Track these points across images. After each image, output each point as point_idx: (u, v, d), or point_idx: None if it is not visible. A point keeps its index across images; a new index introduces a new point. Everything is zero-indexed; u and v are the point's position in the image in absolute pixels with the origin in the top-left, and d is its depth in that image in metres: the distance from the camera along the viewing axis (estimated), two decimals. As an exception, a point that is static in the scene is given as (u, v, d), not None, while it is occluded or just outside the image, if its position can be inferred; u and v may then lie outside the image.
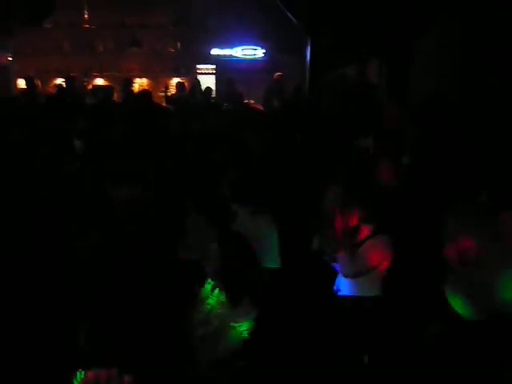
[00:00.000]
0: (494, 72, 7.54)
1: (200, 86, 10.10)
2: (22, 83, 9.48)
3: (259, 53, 11.90)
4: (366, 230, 3.56)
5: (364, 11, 7.87)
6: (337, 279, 3.65)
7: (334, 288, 3.63)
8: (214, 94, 10.72)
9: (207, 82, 11.47)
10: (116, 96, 8.58)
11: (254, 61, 11.90)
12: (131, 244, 3.57)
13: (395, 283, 3.39)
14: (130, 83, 8.47)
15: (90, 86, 11.26)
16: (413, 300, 3.26)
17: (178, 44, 12.00)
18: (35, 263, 3.49)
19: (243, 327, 2.74)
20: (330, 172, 5.03)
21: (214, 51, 11.95)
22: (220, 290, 2.86)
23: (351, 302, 3.49)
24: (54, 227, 3.85)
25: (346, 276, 3.61)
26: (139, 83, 11.54)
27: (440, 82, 7.98)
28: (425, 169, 4.93)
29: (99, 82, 11.96)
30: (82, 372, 1.88)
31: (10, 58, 9.66)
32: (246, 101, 10.68)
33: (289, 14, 8.63)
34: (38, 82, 9.46)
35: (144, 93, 7.27)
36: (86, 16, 11.80)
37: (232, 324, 2.75)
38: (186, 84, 10.12)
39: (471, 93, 7.32)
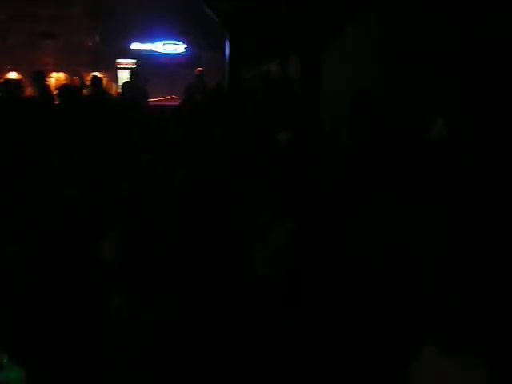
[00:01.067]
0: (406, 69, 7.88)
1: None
2: None
3: (181, 48, 11.79)
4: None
5: (281, 9, 7.97)
6: None
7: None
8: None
9: (128, 76, 11.19)
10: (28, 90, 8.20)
11: (175, 56, 11.77)
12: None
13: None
14: (43, 77, 8.08)
15: (1, 80, 10.71)
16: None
17: (97, 38, 11.66)
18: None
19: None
20: (252, 167, 5.11)
21: (135, 46, 11.72)
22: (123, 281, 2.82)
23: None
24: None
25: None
26: (56, 77, 11.11)
27: (356, 79, 8.25)
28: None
29: (12, 75, 11.40)
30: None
31: None
32: (168, 96, 10.61)
33: (208, 11, 8.57)
34: None
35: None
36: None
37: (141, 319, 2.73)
38: (102, 78, 9.82)
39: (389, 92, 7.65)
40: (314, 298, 3.65)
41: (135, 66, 11.63)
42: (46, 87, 7.83)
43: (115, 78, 11.17)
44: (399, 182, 4.19)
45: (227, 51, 9.07)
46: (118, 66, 11.70)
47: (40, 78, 7.82)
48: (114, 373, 2.84)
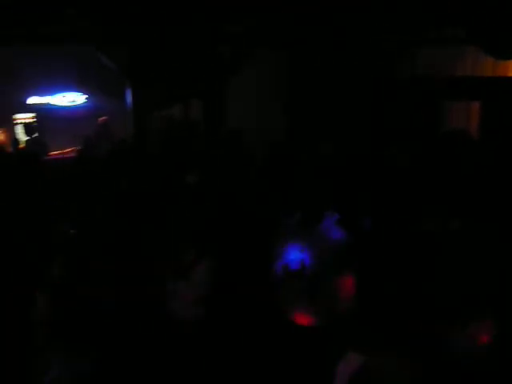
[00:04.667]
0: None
1: None
2: None
3: (81, 99, 11.72)
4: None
5: (182, 56, 8.25)
6: None
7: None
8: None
9: (26, 131, 10.98)
10: None
11: (76, 107, 11.68)
12: None
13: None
14: None
15: None
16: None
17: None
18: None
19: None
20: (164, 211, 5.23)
21: (32, 99, 11.51)
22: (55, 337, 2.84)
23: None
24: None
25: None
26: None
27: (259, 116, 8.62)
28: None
29: None
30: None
31: None
32: (71, 148, 10.46)
33: (107, 61, 8.68)
34: None
35: None
36: None
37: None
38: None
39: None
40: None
41: (34, 120, 11.41)
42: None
43: (13, 133, 10.87)
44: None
45: (128, 98, 9.21)
46: (16, 121, 11.41)
47: None
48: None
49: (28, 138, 10.22)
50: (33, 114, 11.48)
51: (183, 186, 6.03)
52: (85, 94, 11.70)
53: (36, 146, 9.27)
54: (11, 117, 11.36)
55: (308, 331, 2.79)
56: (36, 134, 10.57)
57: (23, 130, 10.79)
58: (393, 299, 2.48)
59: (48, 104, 11.57)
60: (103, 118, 9.88)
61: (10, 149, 9.53)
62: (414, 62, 8.28)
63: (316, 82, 8.54)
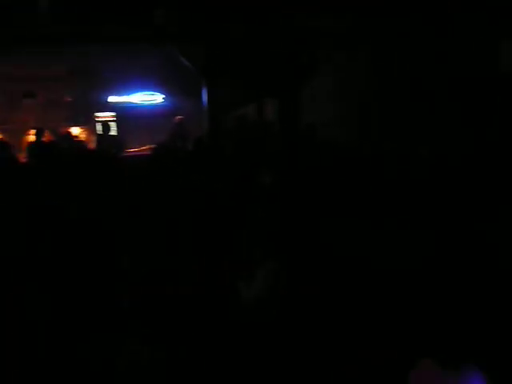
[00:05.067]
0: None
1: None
2: None
3: (158, 98, 12.04)
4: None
5: (258, 55, 8.27)
6: None
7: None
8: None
9: (108, 128, 11.41)
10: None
11: (153, 106, 12.00)
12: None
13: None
14: (41, 132, 8.40)
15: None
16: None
17: (75, 93, 11.88)
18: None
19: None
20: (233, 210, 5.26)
21: (112, 98, 11.94)
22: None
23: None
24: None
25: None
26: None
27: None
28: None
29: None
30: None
31: None
32: (147, 146, 10.77)
33: (184, 61, 8.85)
34: None
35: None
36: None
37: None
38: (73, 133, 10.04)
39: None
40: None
41: (114, 119, 11.84)
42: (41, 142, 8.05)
43: (94, 131, 11.32)
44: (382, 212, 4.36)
45: (204, 98, 9.34)
46: (97, 119, 11.88)
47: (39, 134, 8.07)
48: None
49: (106, 135, 10.58)
50: (113, 113, 11.92)
51: (257, 187, 6.03)
52: (163, 93, 12.00)
53: (112, 144, 9.57)
54: (92, 115, 11.86)
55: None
56: (114, 132, 10.95)
57: (102, 128, 11.22)
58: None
59: (127, 103, 11.96)
60: (179, 117, 10.08)
61: (93, 146, 9.89)
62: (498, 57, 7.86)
63: (395, 80, 8.31)
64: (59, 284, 4.01)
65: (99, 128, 11.48)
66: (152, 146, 10.68)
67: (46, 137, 10.93)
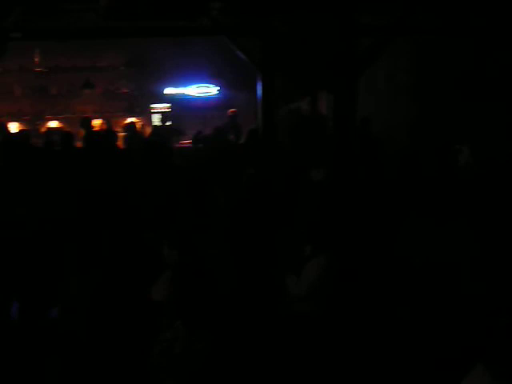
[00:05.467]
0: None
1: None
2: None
3: (213, 90, 12.10)
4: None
5: (313, 48, 8.17)
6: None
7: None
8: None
9: (162, 119, 11.61)
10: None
11: (208, 98, 12.08)
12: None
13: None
14: (89, 122, 8.58)
15: (44, 129, 11.20)
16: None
17: (132, 84, 12.10)
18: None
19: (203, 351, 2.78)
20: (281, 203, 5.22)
21: (168, 90, 12.09)
22: (176, 316, 2.90)
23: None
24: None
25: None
26: (93, 124, 11.50)
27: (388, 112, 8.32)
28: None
29: (53, 124, 11.90)
30: None
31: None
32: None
33: (239, 53, 8.84)
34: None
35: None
36: (37, 60, 11.79)
37: (192, 349, 2.79)
38: (136, 124, 10.21)
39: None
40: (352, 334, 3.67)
41: (169, 110, 11.99)
42: (93, 132, 8.24)
43: (150, 122, 11.50)
44: (434, 210, 4.24)
45: (259, 91, 9.31)
46: (153, 110, 12.06)
47: (88, 124, 8.26)
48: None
49: (162, 126, 10.75)
50: (168, 104, 12.07)
51: (309, 182, 5.96)
52: (217, 86, 12.06)
53: (167, 134, 9.70)
54: (149, 106, 12.05)
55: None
56: (169, 123, 11.11)
57: (158, 119, 11.42)
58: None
59: (183, 94, 12.09)
60: (232, 110, 10.11)
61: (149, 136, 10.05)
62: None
63: (450, 75, 8.05)
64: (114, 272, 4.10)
65: (156, 119, 11.69)
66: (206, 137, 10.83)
67: (102, 126, 11.27)
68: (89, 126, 8.72)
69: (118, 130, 11.61)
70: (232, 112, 9.80)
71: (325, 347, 3.60)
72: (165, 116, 11.04)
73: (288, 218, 4.87)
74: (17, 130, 9.86)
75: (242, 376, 3.28)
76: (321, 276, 3.81)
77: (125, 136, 9.30)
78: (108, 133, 8.84)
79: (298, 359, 3.49)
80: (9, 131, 8.97)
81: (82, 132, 8.79)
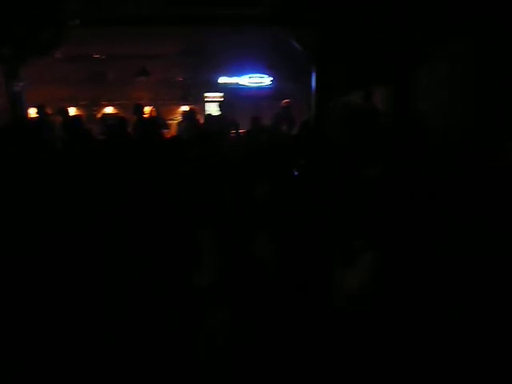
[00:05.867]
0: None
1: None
2: (33, 111, 9.63)
3: (266, 81, 12.07)
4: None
5: (369, 39, 8.01)
6: None
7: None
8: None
9: (215, 109, 11.70)
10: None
11: (260, 88, 12.06)
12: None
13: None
14: (142, 109, 8.68)
15: (100, 115, 11.47)
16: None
17: (187, 73, 12.21)
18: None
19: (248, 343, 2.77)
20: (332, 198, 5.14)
21: (222, 79, 12.14)
22: (224, 304, 2.90)
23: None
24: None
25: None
26: (147, 111, 11.67)
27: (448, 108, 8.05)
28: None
29: (108, 110, 12.18)
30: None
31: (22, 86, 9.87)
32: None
33: (295, 44, 8.77)
34: (49, 110, 9.61)
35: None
36: (95, 47, 12.07)
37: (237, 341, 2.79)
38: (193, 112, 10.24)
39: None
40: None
41: (222, 99, 12.05)
42: (145, 119, 8.36)
43: (203, 111, 11.59)
44: (488, 213, 4.09)
45: (313, 83, 9.22)
46: (206, 99, 12.16)
47: (139, 111, 8.38)
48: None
49: (217, 115, 10.79)
50: (221, 94, 12.14)
51: (363, 177, 5.84)
52: (271, 76, 12.02)
53: (221, 124, 9.75)
54: (202, 95, 12.15)
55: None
56: (220, 113, 11.17)
57: (214, 108, 11.52)
58: None
59: (236, 84, 12.11)
60: (286, 100, 10.04)
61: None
62: None
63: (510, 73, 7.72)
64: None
65: (209, 108, 11.79)
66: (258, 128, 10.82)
67: (151, 113, 11.45)
68: (140, 113, 8.83)
69: (171, 117, 11.82)
70: (285, 103, 9.73)
71: (373, 345, 3.53)
72: (222, 105, 11.09)
73: (337, 210, 4.79)
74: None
75: (286, 371, 3.25)
76: (374, 271, 3.74)
77: (180, 123, 9.38)
78: (155, 120, 8.93)
79: (345, 357, 3.43)
80: (69, 116, 9.16)
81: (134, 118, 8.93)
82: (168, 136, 9.76)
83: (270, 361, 2.91)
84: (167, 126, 11.22)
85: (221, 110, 10.37)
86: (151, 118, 9.91)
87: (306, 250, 4.34)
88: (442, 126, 7.01)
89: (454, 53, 8.01)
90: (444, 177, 5.56)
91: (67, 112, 8.49)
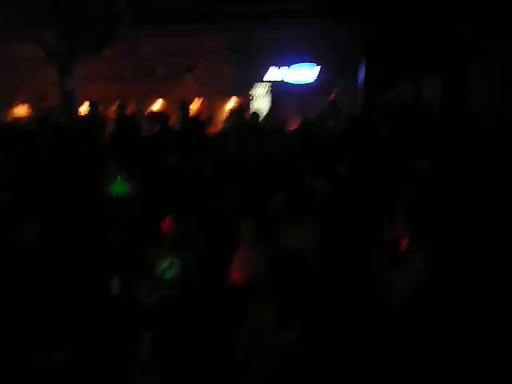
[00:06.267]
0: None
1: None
2: (85, 108, 9.87)
3: (313, 75, 11.98)
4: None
5: (421, 31, 7.85)
6: None
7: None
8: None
9: (261, 104, 11.71)
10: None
11: (307, 83, 11.98)
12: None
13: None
14: (187, 106, 8.76)
15: (148, 111, 11.65)
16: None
17: (233, 68, 12.25)
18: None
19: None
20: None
21: (268, 75, 12.12)
22: (269, 304, 2.89)
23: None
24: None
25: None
26: (194, 106, 11.79)
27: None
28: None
29: (156, 106, 12.37)
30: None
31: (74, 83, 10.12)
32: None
33: (343, 38, 8.68)
34: (101, 107, 9.84)
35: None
36: (144, 45, 12.29)
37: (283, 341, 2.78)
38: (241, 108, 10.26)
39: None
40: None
41: (269, 95, 12.05)
42: (191, 115, 8.44)
43: (249, 107, 11.60)
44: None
45: (361, 77, 9.11)
46: (252, 94, 12.17)
47: (185, 107, 8.46)
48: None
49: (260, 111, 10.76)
50: (267, 89, 12.13)
51: (412, 172, 5.75)
52: (317, 70, 11.92)
53: (268, 119, 9.74)
54: (249, 90, 12.17)
55: None
56: (267, 107, 11.17)
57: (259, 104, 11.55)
58: None
59: (282, 79, 12.07)
60: (333, 95, 9.94)
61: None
62: None
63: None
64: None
65: (256, 103, 11.80)
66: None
67: (202, 109, 11.59)
68: (186, 110, 8.92)
69: (218, 113, 11.90)
70: (333, 97, 9.64)
71: (422, 343, 3.47)
72: (269, 101, 11.10)
73: (384, 205, 4.73)
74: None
75: (333, 373, 3.22)
76: (428, 266, 3.67)
77: (227, 119, 9.42)
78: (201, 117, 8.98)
79: (396, 358, 3.38)
80: (126, 112, 9.29)
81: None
82: (213, 132, 9.87)
83: (319, 363, 2.89)
84: (212, 122, 11.31)
85: (268, 106, 10.38)
86: (197, 114, 10.00)
87: (352, 245, 4.30)
88: (494, 123, 6.80)
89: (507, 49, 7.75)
90: (495, 174, 5.42)
91: (125, 108, 8.63)
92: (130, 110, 10.48)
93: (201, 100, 12.17)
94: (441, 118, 6.78)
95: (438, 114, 7.37)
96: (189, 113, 8.69)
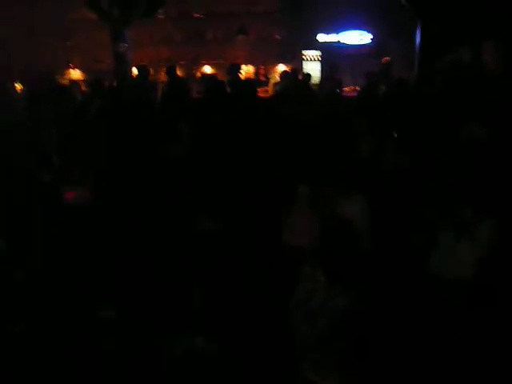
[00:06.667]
0: None
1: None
2: (135, 71, 9.95)
3: (366, 38, 11.63)
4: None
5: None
6: None
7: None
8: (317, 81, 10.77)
9: (313, 68, 11.48)
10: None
11: (360, 46, 11.65)
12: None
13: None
14: (238, 69, 8.67)
15: (199, 74, 11.66)
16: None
17: (285, 31, 12.03)
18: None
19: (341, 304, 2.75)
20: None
21: (320, 37, 11.85)
22: (319, 269, 2.87)
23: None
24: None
25: None
26: (245, 70, 11.69)
27: None
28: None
29: (207, 69, 12.35)
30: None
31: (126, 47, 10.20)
32: (350, 87, 10.57)
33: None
34: (151, 70, 9.89)
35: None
36: (195, 6, 12.20)
37: (331, 302, 2.77)
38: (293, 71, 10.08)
39: None
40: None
41: (322, 58, 11.80)
42: (239, 79, 8.36)
43: (301, 69, 11.39)
44: None
45: (417, 40, 8.76)
46: (304, 57, 11.95)
47: (236, 71, 8.39)
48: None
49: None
50: (319, 52, 11.87)
51: (464, 139, 5.53)
52: (371, 33, 11.56)
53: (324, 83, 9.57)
54: (300, 53, 11.94)
55: None
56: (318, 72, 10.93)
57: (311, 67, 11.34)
58: None
59: (336, 41, 11.78)
60: (386, 58, 9.64)
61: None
62: None
63: None
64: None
65: (309, 66, 11.59)
66: (354, 87, 10.52)
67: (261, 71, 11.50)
68: (234, 73, 8.82)
69: (270, 76, 11.79)
70: (386, 61, 9.34)
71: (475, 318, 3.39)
72: (323, 64, 10.85)
73: (439, 175, 4.58)
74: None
75: (380, 339, 3.20)
76: (494, 239, 3.55)
77: (279, 83, 9.28)
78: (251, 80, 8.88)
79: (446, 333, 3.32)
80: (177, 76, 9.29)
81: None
82: (266, 95, 9.77)
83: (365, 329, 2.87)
84: (266, 84, 11.20)
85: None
86: (247, 77, 9.91)
87: (405, 216, 4.21)
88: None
89: None
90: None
91: (175, 71, 8.62)
92: (181, 73, 10.52)
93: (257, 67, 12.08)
94: (500, 84, 6.45)
95: (498, 79, 7.03)
96: (239, 76, 8.61)
